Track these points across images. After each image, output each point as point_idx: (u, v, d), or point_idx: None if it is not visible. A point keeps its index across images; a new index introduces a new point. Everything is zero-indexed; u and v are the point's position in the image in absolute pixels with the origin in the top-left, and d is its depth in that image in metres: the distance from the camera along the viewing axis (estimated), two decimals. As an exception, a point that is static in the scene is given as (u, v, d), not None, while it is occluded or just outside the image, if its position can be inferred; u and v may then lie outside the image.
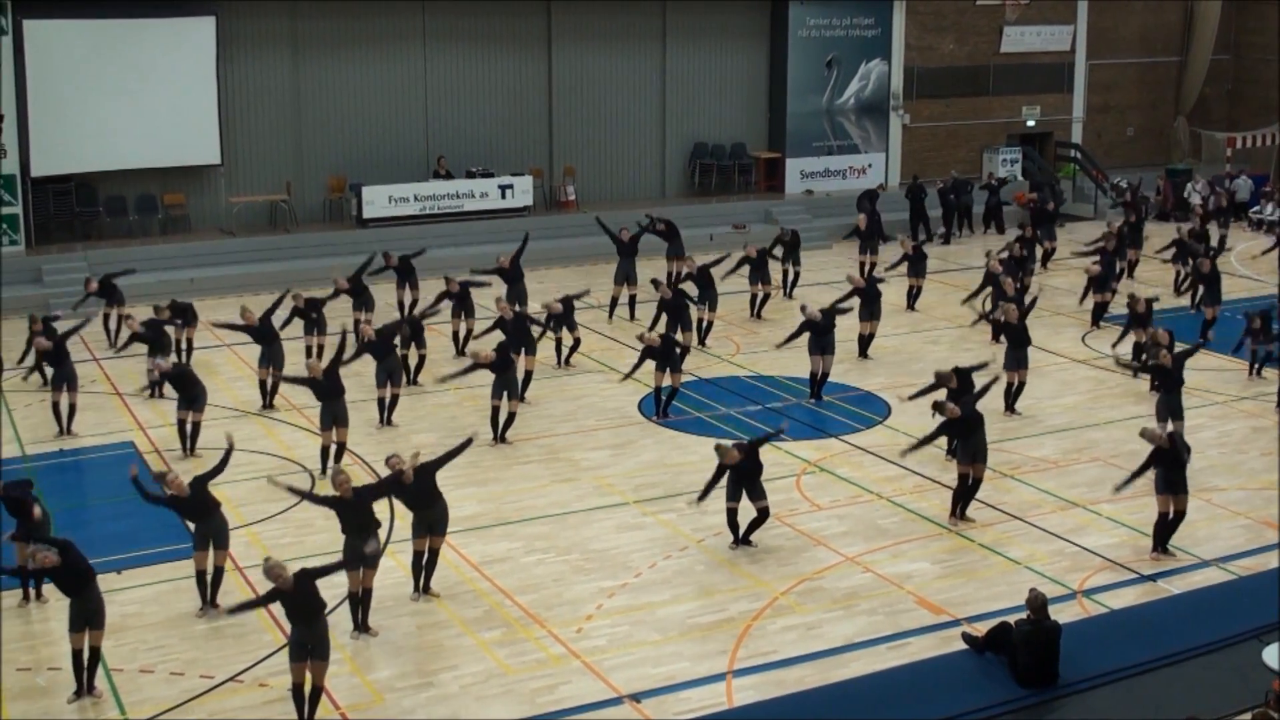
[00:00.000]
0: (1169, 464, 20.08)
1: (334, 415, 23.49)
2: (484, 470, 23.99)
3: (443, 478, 22.92)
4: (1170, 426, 22.83)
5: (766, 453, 24.28)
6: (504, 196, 42.30)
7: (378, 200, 40.71)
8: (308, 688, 15.55)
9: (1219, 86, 55.39)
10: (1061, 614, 17.41)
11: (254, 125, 40.76)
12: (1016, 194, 48.11)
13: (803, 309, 28.22)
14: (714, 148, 47.05)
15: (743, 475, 20.47)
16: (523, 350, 27.34)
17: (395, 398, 26.25)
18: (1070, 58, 52.09)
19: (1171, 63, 54.69)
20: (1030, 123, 51.78)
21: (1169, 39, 54.42)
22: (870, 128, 48.85)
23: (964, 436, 21.45)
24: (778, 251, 36.19)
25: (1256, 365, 29.20)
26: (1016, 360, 26.91)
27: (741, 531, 20.66)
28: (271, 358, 27.07)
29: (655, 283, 30.74)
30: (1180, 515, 20.33)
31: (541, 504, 22.47)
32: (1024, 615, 16.49)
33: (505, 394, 25.14)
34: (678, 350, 26.96)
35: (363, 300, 30.95)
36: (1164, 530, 20.36)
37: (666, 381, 26.55)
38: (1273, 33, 53.48)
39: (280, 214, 40.91)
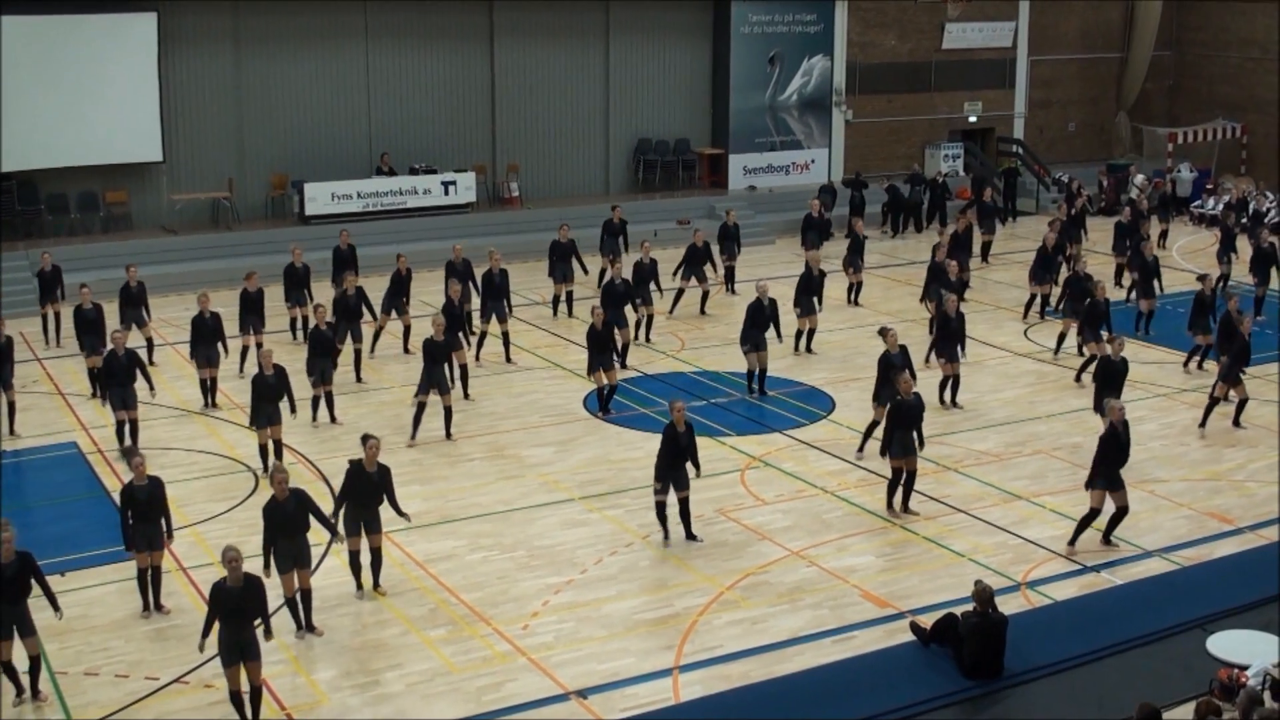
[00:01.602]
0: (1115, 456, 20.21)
1: (269, 414, 23.36)
2: (428, 468, 23.94)
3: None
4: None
5: (709, 447, 24.43)
6: (447, 193, 42.23)
7: (320, 197, 40.58)
8: (246, 688, 15.47)
9: (1160, 82, 55.77)
10: (1006, 605, 17.46)
11: (196, 122, 40.53)
12: (960, 189, 48.36)
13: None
14: (657, 143, 47.08)
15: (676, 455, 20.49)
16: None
17: (330, 395, 26.15)
18: (1012, 54, 52.34)
19: (1113, 59, 55.05)
20: (972, 118, 52.03)
21: (1110, 35, 54.78)
22: (813, 123, 48.96)
23: (904, 427, 21.47)
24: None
25: (1198, 358, 29.37)
26: (950, 354, 27.04)
27: (685, 528, 20.71)
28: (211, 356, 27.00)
29: (611, 263, 30.74)
30: (1124, 510, 20.47)
31: (486, 501, 22.43)
32: (970, 607, 16.55)
33: (437, 389, 25.15)
34: (617, 345, 27.12)
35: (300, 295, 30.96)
36: (1110, 523, 20.49)
37: (605, 380, 26.58)
38: (1213, 29, 53.97)
39: (222, 211, 40.70)
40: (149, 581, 18.41)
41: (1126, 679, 16.36)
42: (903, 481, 21.67)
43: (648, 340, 31.50)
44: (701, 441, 24.73)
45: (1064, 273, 34.43)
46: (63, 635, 17.75)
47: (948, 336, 27.17)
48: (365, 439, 19.00)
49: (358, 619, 18.32)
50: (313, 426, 25.72)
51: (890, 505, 21.70)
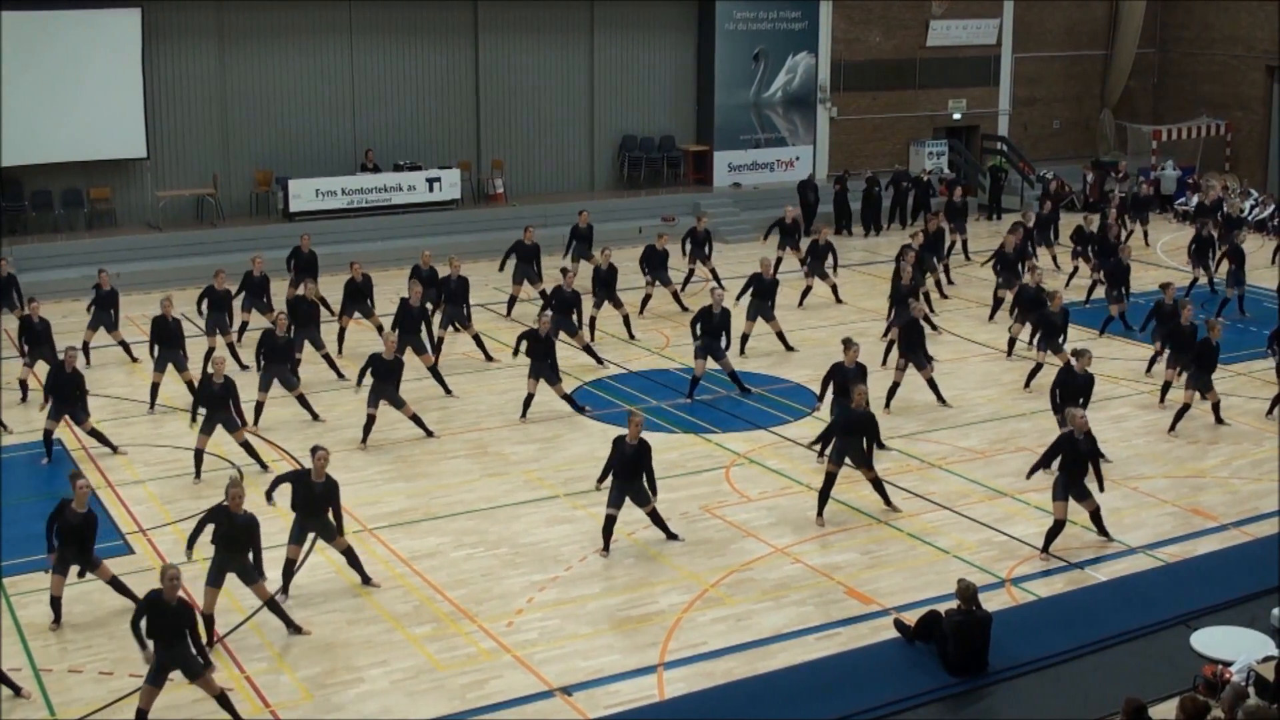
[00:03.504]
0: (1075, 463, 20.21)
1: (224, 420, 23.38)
2: (412, 465, 23.92)
3: (371, 472, 22.94)
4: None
5: (694, 444, 24.46)
6: (432, 190, 42.17)
7: (305, 194, 40.50)
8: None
9: (1144, 80, 55.88)
10: (990, 602, 17.50)
11: (180, 118, 40.45)
12: (942, 188, 48.43)
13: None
14: (642, 140, 47.07)
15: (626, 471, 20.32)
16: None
17: (302, 397, 26.12)
18: (996, 51, 52.36)
19: (1097, 56, 55.14)
20: (956, 116, 52.04)
21: (1094, 33, 54.87)
22: (798, 120, 48.94)
23: (847, 435, 21.41)
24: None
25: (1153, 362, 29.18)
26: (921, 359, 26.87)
27: (664, 532, 20.69)
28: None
29: (564, 271, 30.44)
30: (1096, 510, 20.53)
31: (470, 498, 22.40)
32: (954, 605, 16.57)
33: (390, 404, 25.06)
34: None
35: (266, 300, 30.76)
36: (1095, 522, 20.55)
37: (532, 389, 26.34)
38: (1197, 26, 54.11)
39: (207, 208, 40.64)
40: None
41: (1110, 675, 16.39)
42: (874, 485, 21.70)
43: (631, 337, 31.53)
44: (686, 438, 24.91)
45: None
46: (46, 632, 17.72)
47: (908, 342, 26.93)
48: (314, 450, 18.93)
49: (343, 616, 18.30)
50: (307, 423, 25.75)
51: (820, 513, 21.57)
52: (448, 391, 27.39)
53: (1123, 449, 24.28)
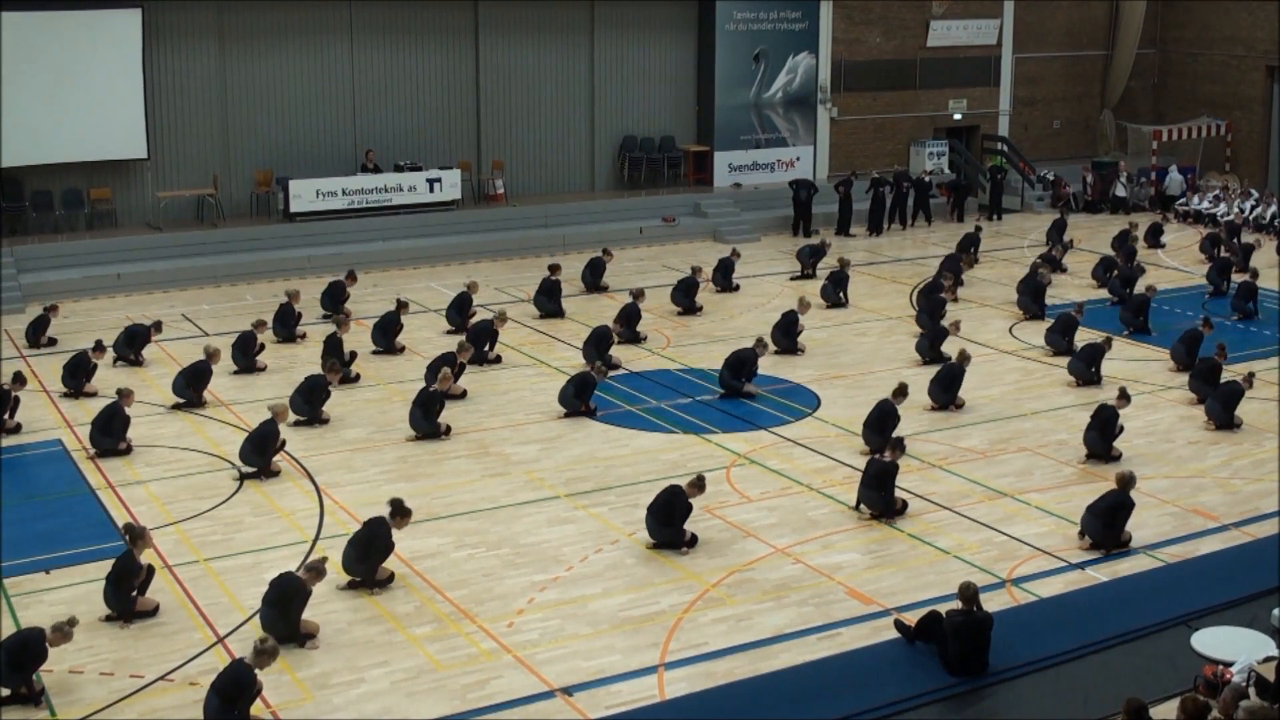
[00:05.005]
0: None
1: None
2: (413, 465, 23.91)
3: (372, 472, 22.96)
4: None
5: (696, 444, 24.45)
6: (432, 190, 42.13)
7: (305, 194, 40.47)
8: None
9: (1144, 80, 55.89)
10: (990, 603, 17.50)
11: (180, 119, 40.42)
12: (943, 190, 48.48)
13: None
14: (643, 141, 47.05)
15: None
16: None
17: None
18: (997, 51, 52.35)
19: (1097, 56, 55.14)
20: (957, 116, 52.02)
21: (1095, 33, 54.87)
22: (798, 121, 48.92)
23: None
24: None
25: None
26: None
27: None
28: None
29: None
30: None
31: (472, 499, 22.39)
32: (955, 605, 16.57)
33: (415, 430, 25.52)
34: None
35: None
36: None
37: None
38: (1197, 26, 54.15)
39: (207, 208, 40.61)
40: None
41: (1111, 676, 16.39)
42: None
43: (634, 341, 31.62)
44: (686, 439, 24.93)
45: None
46: (47, 633, 17.72)
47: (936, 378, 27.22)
48: (402, 508, 19.53)
49: (344, 616, 18.29)
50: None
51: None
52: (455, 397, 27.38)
53: (1124, 448, 24.26)
